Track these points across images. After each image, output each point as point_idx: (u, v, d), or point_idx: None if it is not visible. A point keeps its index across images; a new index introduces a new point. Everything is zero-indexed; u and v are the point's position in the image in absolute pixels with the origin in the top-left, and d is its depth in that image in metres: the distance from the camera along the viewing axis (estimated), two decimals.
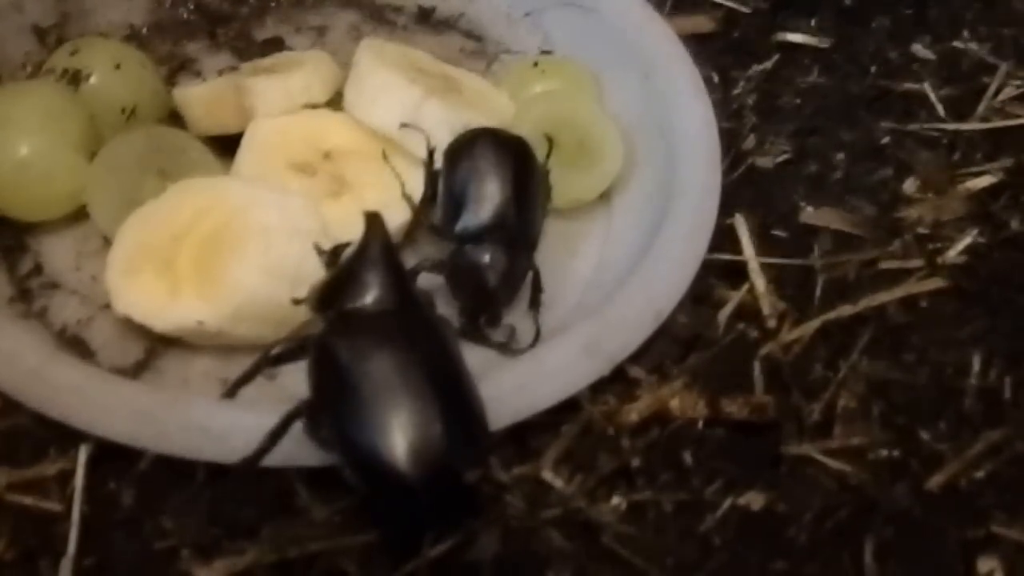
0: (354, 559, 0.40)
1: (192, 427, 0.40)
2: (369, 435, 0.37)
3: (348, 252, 0.41)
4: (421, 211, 0.49)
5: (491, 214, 0.47)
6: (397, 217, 0.48)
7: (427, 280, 0.47)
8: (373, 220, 0.42)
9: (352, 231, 0.47)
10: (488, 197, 0.47)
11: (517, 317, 0.47)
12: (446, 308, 0.47)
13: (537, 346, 0.46)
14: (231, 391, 0.43)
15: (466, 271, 0.46)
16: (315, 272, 0.45)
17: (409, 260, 0.49)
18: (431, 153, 0.49)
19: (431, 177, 0.49)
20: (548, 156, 0.50)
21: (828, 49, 0.60)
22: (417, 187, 0.49)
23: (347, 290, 0.40)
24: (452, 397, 0.38)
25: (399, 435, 0.37)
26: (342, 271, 0.41)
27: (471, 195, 0.47)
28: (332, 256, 0.42)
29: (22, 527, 0.40)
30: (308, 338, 0.40)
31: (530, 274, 0.47)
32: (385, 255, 0.41)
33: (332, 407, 0.38)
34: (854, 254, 0.50)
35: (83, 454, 0.42)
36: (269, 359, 0.42)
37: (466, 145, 0.49)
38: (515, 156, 0.49)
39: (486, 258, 0.46)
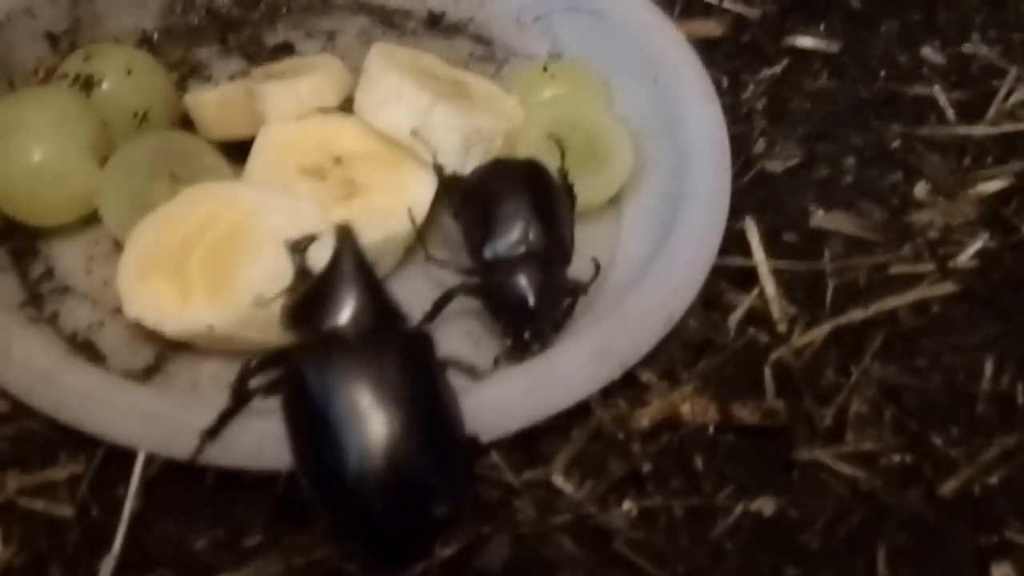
0: (360, 566, 0.40)
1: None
2: (339, 470, 0.37)
3: (315, 260, 0.40)
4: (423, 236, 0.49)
5: (518, 236, 0.46)
6: (407, 222, 0.49)
7: (461, 303, 0.47)
8: (344, 233, 0.40)
9: (364, 235, 0.48)
10: (512, 221, 0.47)
11: None
12: (486, 329, 0.47)
13: (547, 350, 0.46)
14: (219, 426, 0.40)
15: (504, 293, 0.46)
16: None
17: (414, 267, 0.50)
18: (440, 167, 0.49)
19: (446, 184, 0.49)
20: (563, 158, 0.50)
21: (837, 53, 0.60)
22: (428, 191, 0.50)
23: (320, 308, 0.39)
24: (428, 427, 0.38)
25: (370, 472, 0.36)
26: (314, 288, 0.40)
27: (494, 223, 0.47)
28: (299, 259, 0.41)
29: (32, 531, 0.41)
30: (283, 351, 0.39)
31: (568, 299, 0.47)
32: (358, 270, 0.40)
33: (302, 437, 0.38)
34: (865, 258, 0.50)
35: (95, 458, 0.42)
36: (250, 370, 0.40)
37: (479, 179, 0.49)
38: (529, 177, 0.49)
39: (522, 278, 0.46)
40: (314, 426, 0.37)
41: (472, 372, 0.43)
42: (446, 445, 0.38)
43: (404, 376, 0.38)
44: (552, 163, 0.50)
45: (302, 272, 0.40)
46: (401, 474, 0.37)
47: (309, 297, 0.40)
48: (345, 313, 0.39)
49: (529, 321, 0.46)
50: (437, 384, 0.39)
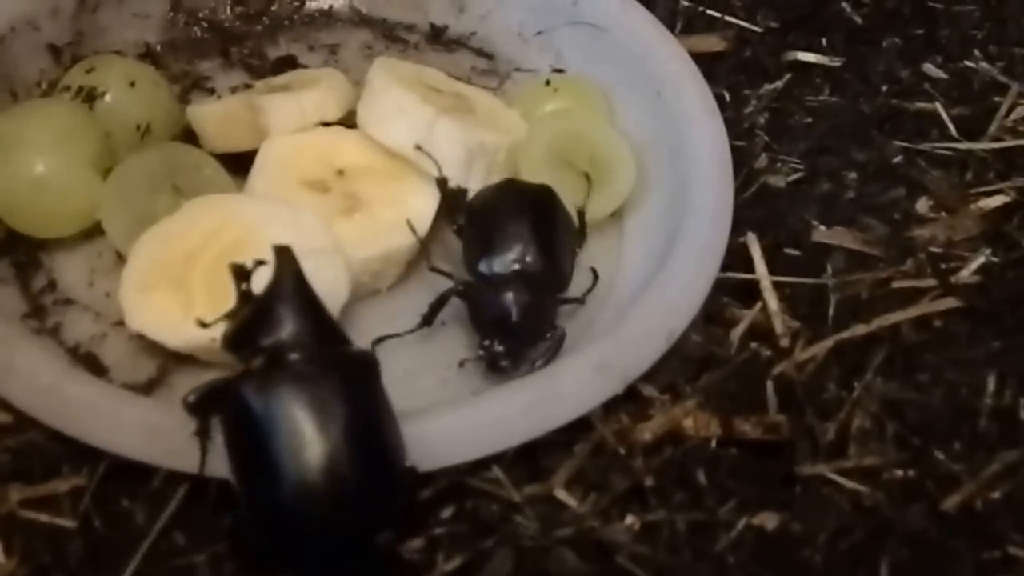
0: None
1: None
2: (275, 498, 0.37)
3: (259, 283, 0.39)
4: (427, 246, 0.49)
5: (514, 256, 0.47)
6: (409, 236, 0.49)
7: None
8: (283, 254, 0.39)
9: (365, 248, 0.48)
10: (511, 241, 0.47)
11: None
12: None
13: (549, 365, 0.46)
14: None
15: (489, 306, 0.46)
16: (329, 289, 0.46)
17: (416, 281, 0.50)
18: (443, 181, 0.49)
19: (449, 198, 0.49)
20: (587, 197, 0.50)
21: (839, 68, 0.60)
22: (430, 205, 0.50)
23: (260, 331, 0.39)
24: (365, 454, 0.37)
25: (306, 500, 0.36)
26: (255, 310, 0.39)
27: (494, 240, 0.47)
28: (244, 284, 0.39)
29: (35, 543, 0.40)
30: (225, 381, 0.39)
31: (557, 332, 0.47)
32: (299, 292, 0.39)
33: (240, 463, 0.37)
34: (867, 273, 0.50)
35: (98, 471, 0.42)
36: (188, 406, 0.39)
37: (488, 196, 0.49)
38: (538, 201, 0.49)
39: (509, 295, 0.46)
40: (252, 451, 0.37)
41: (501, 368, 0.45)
42: (384, 472, 0.38)
43: (343, 402, 0.37)
44: (554, 178, 0.50)
45: (245, 297, 0.40)
46: (337, 501, 0.37)
47: (249, 320, 0.39)
48: (284, 336, 0.38)
49: (505, 337, 0.46)
50: (377, 410, 0.39)
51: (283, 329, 0.38)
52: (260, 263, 0.39)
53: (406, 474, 0.39)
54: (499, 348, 0.46)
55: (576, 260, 0.49)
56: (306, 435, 0.37)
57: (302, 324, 0.39)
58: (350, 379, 0.38)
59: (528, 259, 0.47)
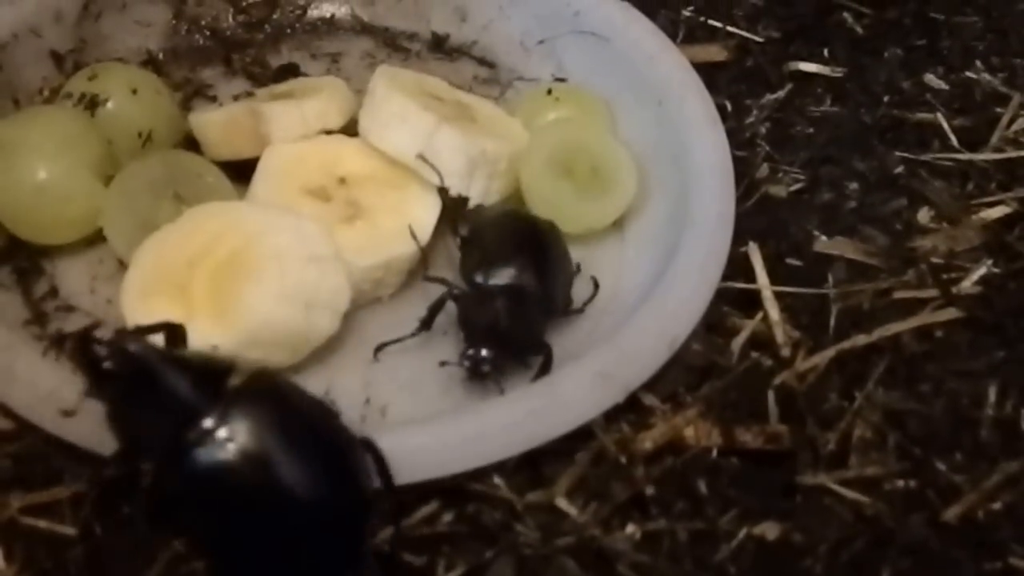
0: None
1: None
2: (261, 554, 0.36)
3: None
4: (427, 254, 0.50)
5: (511, 273, 0.47)
6: (411, 244, 0.49)
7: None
8: (129, 339, 0.37)
9: (367, 256, 0.48)
10: (511, 259, 0.47)
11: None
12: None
13: (549, 374, 0.46)
14: None
15: (478, 312, 0.46)
16: (331, 297, 0.46)
17: (418, 288, 0.50)
18: (445, 190, 0.50)
19: (451, 206, 0.50)
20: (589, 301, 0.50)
21: (841, 78, 0.60)
22: (432, 214, 0.50)
23: (153, 424, 0.36)
24: (324, 464, 0.37)
25: (298, 535, 0.36)
26: (135, 413, 0.37)
27: (495, 256, 0.48)
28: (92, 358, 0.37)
29: (35, 550, 0.40)
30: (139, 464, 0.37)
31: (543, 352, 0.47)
32: (166, 365, 0.37)
33: (204, 540, 0.37)
34: (868, 284, 0.50)
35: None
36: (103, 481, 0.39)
37: (495, 218, 0.50)
38: (542, 234, 0.49)
39: (499, 304, 0.46)
40: (211, 531, 0.37)
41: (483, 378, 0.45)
42: (346, 469, 0.38)
43: (275, 439, 0.36)
44: (555, 186, 0.50)
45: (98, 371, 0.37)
46: (323, 523, 0.37)
47: (136, 426, 0.37)
48: (177, 416, 0.36)
49: (489, 345, 0.46)
50: (308, 419, 0.38)
51: (172, 412, 0.36)
52: (94, 326, 0.38)
53: (363, 455, 0.38)
54: (483, 355, 0.46)
55: (570, 296, 0.49)
56: (261, 487, 0.36)
57: (185, 394, 0.36)
58: (264, 411, 0.37)
59: (523, 278, 0.47)
